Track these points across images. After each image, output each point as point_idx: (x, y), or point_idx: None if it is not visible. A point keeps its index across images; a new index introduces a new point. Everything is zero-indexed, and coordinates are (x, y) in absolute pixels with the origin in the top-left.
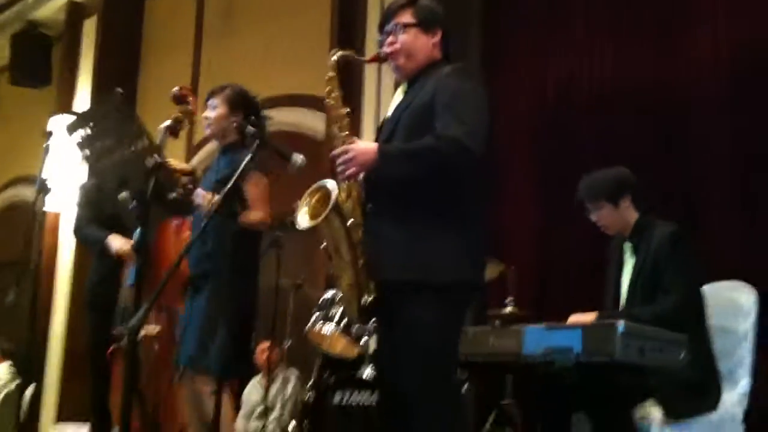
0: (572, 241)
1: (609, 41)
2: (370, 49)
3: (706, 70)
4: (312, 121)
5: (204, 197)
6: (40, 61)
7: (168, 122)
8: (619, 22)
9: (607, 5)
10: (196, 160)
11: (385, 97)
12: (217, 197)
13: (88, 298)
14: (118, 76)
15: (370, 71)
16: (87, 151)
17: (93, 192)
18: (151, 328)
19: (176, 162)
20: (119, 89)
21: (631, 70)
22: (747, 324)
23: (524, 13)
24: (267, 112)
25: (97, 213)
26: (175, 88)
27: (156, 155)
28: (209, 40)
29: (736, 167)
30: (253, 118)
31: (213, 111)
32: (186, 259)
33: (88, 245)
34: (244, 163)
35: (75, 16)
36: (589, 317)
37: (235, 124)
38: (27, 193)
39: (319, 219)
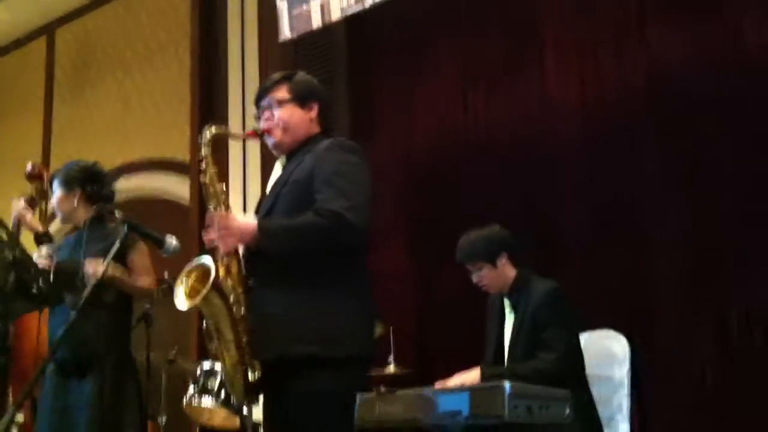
0: (446, 294)
1: (475, 95)
2: (233, 113)
3: (566, 120)
4: (176, 186)
5: (94, 266)
6: None
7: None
8: (473, 79)
9: (464, 62)
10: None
11: (251, 174)
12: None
13: None
14: None
15: (235, 147)
16: None
17: None
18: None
19: (34, 221)
20: None
21: (494, 124)
22: (622, 371)
23: (386, 70)
24: (126, 186)
25: None
26: (28, 166)
27: (16, 249)
28: (61, 103)
29: (593, 216)
30: (90, 189)
31: (55, 198)
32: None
33: None
34: (110, 253)
35: None
36: (472, 374)
37: (97, 207)
38: None
39: (198, 299)
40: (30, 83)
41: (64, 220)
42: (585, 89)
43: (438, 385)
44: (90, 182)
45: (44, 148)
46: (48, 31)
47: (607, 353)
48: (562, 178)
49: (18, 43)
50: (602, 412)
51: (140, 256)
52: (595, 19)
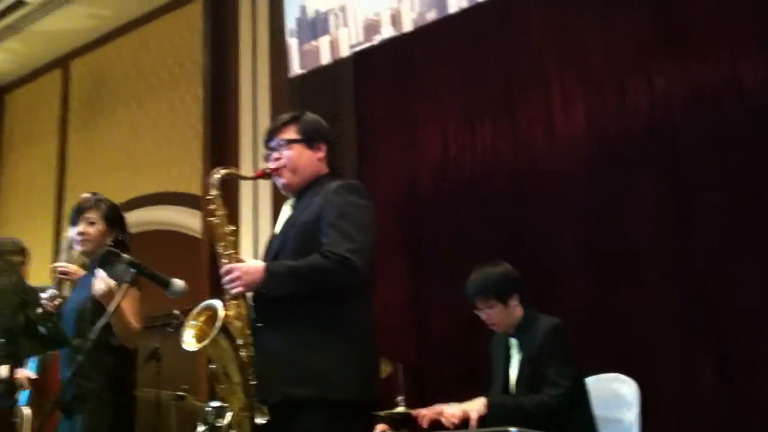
0: (447, 329)
1: (478, 129)
2: (244, 146)
3: (568, 156)
4: (187, 219)
5: (103, 283)
6: None
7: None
8: (478, 113)
9: (470, 96)
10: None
11: (262, 213)
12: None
13: None
14: None
15: (246, 187)
16: None
17: None
18: None
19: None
20: None
21: (498, 159)
22: (632, 415)
23: (393, 105)
24: (138, 219)
25: None
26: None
27: (24, 291)
28: (75, 133)
29: (594, 255)
30: (121, 238)
31: (91, 226)
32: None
33: None
34: (119, 297)
35: None
36: (476, 404)
37: (106, 248)
38: None
39: (206, 342)
40: (46, 114)
41: (88, 253)
42: (588, 126)
43: (441, 412)
44: (124, 228)
45: (58, 178)
46: (63, 63)
47: (615, 396)
48: (562, 215)
49: (34, 75)
50: None
51: (129, 300)
52: (599, 58)
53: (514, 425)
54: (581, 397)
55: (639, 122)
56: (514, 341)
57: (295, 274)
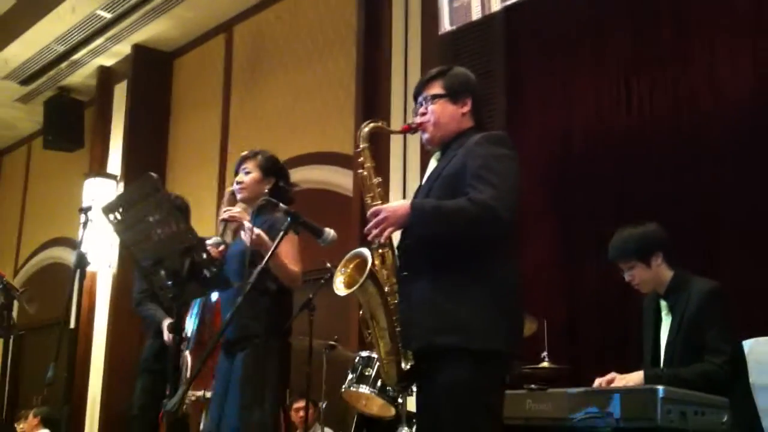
0: (598, 288)
1: (636, 85)
2: (395, 106)
3: (732, 112)
4: (340, 178)
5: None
6: (72, 126)
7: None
8: (637, 69)
9: (628, 52)
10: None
11: (411, 166)
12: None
13: (142, 368)
14: (149, 135)
15: (396, 141)
16: (124, 234)
17: None
18: (201, 394)
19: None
20: (153, 173)
21: (656, 115)
22: None
23: (545, 62)
24: (294, 178)
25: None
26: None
27: (191, 236)
28: (237, 96)
29: (759, 214)
30: (282, 184)
31: (247, 176)
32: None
33: (145, 322)
34: (275, 243)
35: (106, 80)
36: (635, 377)
37: (264, 198)
38: (62, 254)
39: (355, 287)
40: (210, 78)
41: (245, 200)
42: (755, 82)
43: (596, 383)
44: (284, 179)
45: (222, 137)
46: (227, 28)
47: None
48: (727, 173)
49: (200, 41)
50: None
51: (288, 244)
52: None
53: None
54: (739, 362)
55: None
56: (664, 303)
57: (440, 212)
